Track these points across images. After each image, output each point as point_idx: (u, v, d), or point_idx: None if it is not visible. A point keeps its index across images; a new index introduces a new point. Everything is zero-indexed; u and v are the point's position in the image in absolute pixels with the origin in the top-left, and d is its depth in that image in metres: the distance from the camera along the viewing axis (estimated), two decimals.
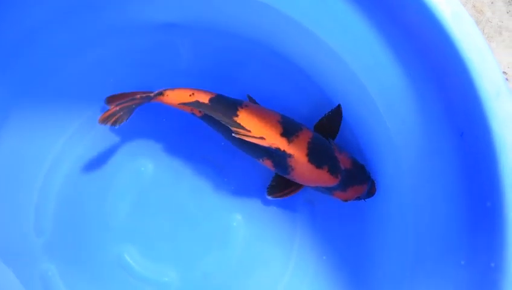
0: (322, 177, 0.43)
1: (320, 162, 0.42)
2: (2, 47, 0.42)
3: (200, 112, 0.44)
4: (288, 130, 0.42)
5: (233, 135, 0.41)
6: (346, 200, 0.44)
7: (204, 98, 0.43)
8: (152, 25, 0.47)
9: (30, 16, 0.41)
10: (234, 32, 0.48)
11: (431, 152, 0.36)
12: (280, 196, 0.46)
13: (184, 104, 0.44)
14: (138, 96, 0.45)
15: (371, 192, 0.44)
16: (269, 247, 0.48)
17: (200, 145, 0.49)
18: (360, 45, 0.38)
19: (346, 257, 0.47)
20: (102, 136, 0.49)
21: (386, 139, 0.42)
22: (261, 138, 0.41)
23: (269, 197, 0.47)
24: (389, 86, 0.38)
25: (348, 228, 0.47)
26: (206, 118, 0.44)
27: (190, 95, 0.44)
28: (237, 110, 0.42)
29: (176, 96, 0.44)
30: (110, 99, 0.46)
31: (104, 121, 0.44)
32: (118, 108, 0.44)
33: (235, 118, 0.42)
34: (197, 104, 0.43)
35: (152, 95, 0.45)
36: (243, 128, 0.41)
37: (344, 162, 0.43)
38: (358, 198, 0.44)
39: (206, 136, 0.49)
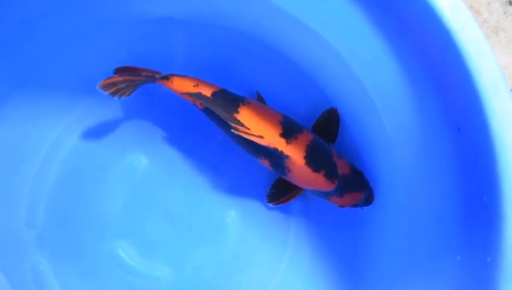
0: (318, 181, 0.42)
1: (318, 166, 0.42)
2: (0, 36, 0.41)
3: (201, 104, 0.43)
4: (288, 131, 0.42)
5: (232, 130, 0.41)
6: (342, 206, 0.44)
7: (207, 91, 0.42)
8: (149, 19, 0.47)
9: (28, 7, 0.41)
10: (232, 27, 0.47)
11: (428, 148, 0.36)
12: (281, 203, 0.46)
13: (187, 93, 0.43)
14: (144, 73, 0.44)
15: (368, 200, 0.44)
16: (263, 244, 0.48)
17: (195, 140, 0.49)
18: (358, 39, 0.37)
19: (341, 254, 0.47)
20: (96, 129, 0.48)
21: (383, 138, 0.42)
22: (260, 136, 0.41)
23: (270, 205, 0.47)
24: (387, 81, 0.37)
25: (342, 225, 0.47)
26: (208, 111, 0.43)
27: (194, 86, 0.43)
28: (238, 106, 0.42)
29: (180, 85, 0.43)
30: (119, 70, 0.45)
31: (103, 86, 0.42)
32: (121, 79, 0.42)
33: (236, 115, 0.41)
34: (199, 96, 0.42)
35: (158, 76, 0.43)
36: (242, 125, 0.41)
37: (342, 168, 0.43)
38: (355, 205, 0.44)
39: (202, 132, 0.48)
